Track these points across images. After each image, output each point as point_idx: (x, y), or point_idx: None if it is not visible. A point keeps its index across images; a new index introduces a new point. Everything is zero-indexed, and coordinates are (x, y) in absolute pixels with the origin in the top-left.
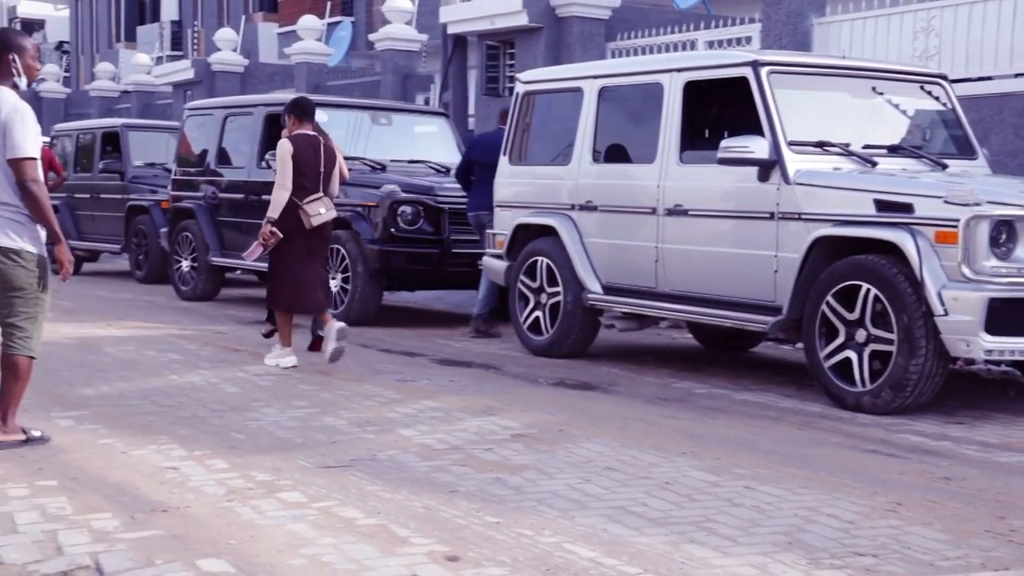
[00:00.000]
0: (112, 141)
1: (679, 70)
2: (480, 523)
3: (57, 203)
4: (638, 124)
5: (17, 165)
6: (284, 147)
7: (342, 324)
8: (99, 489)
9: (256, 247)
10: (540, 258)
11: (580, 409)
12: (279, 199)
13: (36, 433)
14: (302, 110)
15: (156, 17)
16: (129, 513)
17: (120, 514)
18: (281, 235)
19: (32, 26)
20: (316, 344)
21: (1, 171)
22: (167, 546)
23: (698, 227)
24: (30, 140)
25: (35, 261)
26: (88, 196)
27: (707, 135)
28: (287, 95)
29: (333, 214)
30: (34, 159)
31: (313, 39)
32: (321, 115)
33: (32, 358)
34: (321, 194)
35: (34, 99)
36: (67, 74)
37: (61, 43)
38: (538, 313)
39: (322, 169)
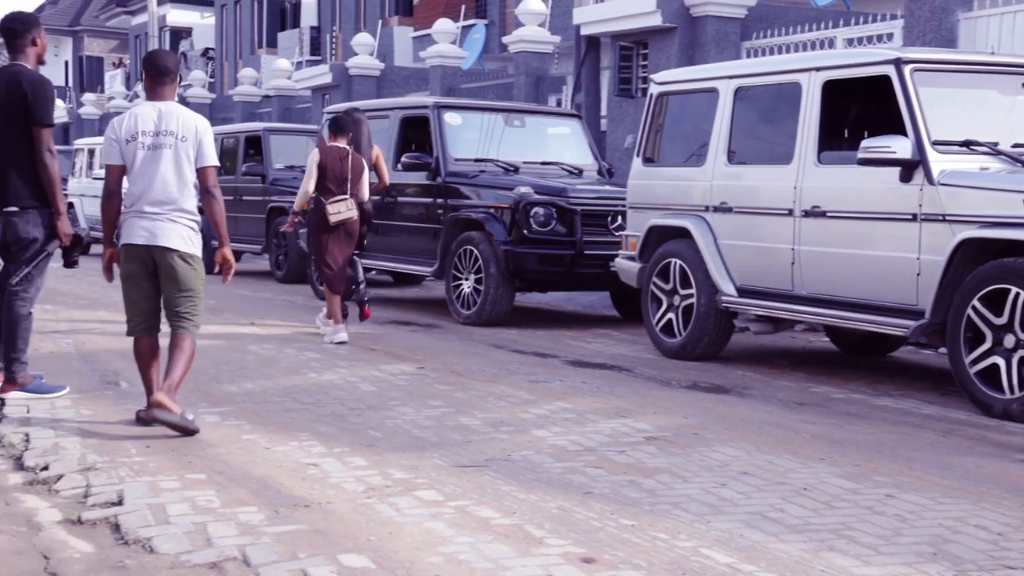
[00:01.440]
0: (254, 145)
1: (818, 69)
2: (615, 525)
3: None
4: (775, 124)
5: (207, 172)
6: (312, 156)
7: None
8: (244, 483)
9: (285, 226)
10: (673, 260)
11: (714, 412)
12: (300, 196)
13: (190, 416)
14: (337, 126)
15: (296, 23)
16: (273, 507)
17: (265, 508)
18: (303, 223)
19: (180, 34)
20: (364, 313)
21: (182, 181)
22: (310, 540)
23: (837, 229)
24: (215, 151)
25: (202, 265)
26: (231, 198)
27: (846, 135)
28: (423, 99)
29: (352, 214)
30: (217, 167)
31: (447, 42)
32: (455, 117)
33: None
34: (345, 196)
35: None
36: (212, 80)
37: (207, 50)
38: (671, 315)
39: (348, 176)
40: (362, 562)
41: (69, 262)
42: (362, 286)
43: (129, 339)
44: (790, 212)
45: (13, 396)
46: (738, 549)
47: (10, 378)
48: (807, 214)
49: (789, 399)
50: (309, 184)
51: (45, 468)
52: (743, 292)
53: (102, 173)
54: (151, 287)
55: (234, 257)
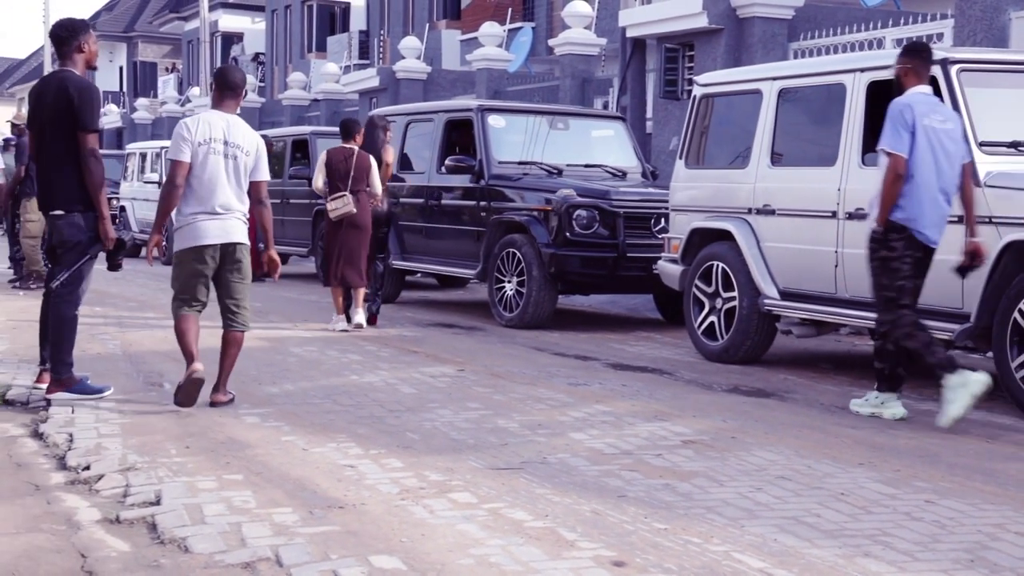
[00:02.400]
0: (301, 148)
1: (862, 70)
2: (648, 529)
3: None
4: (819, 126)
5: (261, 185)
6: (321, 157)
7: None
8: (281, 484)
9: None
10: (716, 262)
11: (754, 416)
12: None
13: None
14: (344, 129)
15: (346, 27)
16: (308, 508)
17: (300, 509)
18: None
19: (231, 39)
20: (371, 319)
21: (241, 188)
22: (342, 541)
23: None
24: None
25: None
26: (278, 201)
27: None
28: (467, 101)
29: (350, 209)
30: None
31: (494, 45)
32: (498, 120)
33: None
34: (343, 193)
35: None
36: (262, 84)
37: (257, 54)
38: (713, 318)
39: (352, 174)
40: (393, 563)
41: (113, 265)
42: (378, 296)
43: (173, 339)
44: (834, 214)
45: (59, 397)
46: (771, 554)
47: (56, 379)
48: (851, 216)
49: (831, 403)
50: (318, 180)
51: (87, 468)
52: (786, 295)
53: (154, 177)
54: (209, 282)
55: (280, 259)
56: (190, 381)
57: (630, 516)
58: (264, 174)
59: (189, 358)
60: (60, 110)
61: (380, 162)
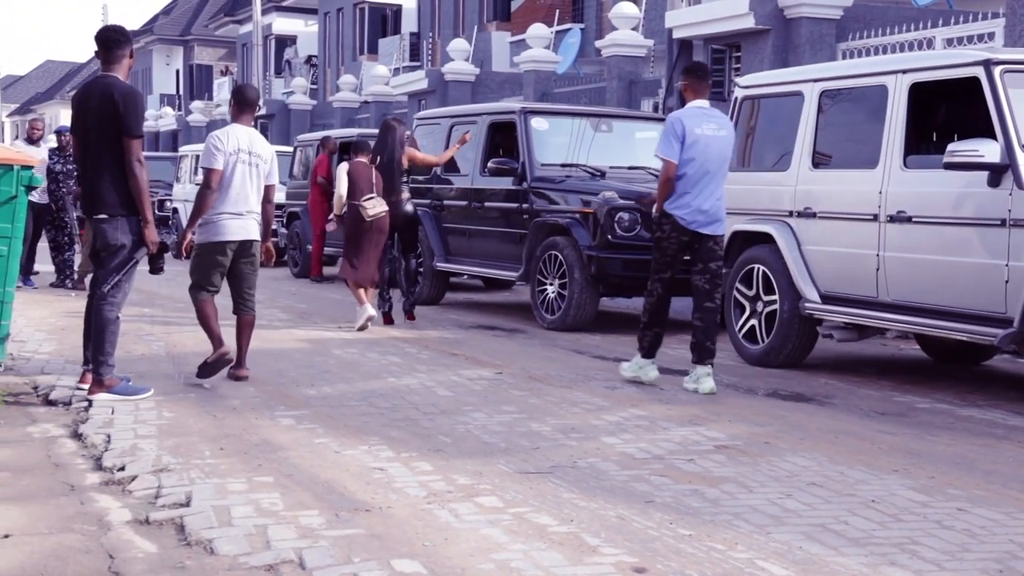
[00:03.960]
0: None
1: (905, 71)
2: (672, 535)
3: (298, 209)
4: (860, 128)
5: (272, 188)
6: (342, 167)
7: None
8: (310, 487)
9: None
10: (756, 265)
11: (791, 421)
12: (336, 201)
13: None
14: (354, 147)
15: (397, 30)
16: (334, 511)
17: (326, 512)
18: (338, 223)
19: (284, 41)
20: (385, 319)
21: (258, 192)
22: (365, 545)
23: (923, 234)
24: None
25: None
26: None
27: (934, 139)
28: (511, 104)
29: (383, 209)
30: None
31: (541, 47)
32: (541, 123)
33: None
34: (374, 195)
35: (283, 110)
36: (314, 86)
37: (310, 57)
38: (753, 321)
39: (374, 182)
40: (414, 567)
41: (155, 268)
42: (411, 294)
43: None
44: (875, 217)
45: (100, 398)
46: (795, 562)
47: (97, 380)
48: (892, 219)
49: (870, 408)
50: (342, 189)
51: (122, 469)
52: (827, 299)
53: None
54: (225, 271)
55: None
56: (222, 360)
57: (655, 522)
58: (275, 179)
59: (217, 340)
60: (105, 115)
61: (396, 167)
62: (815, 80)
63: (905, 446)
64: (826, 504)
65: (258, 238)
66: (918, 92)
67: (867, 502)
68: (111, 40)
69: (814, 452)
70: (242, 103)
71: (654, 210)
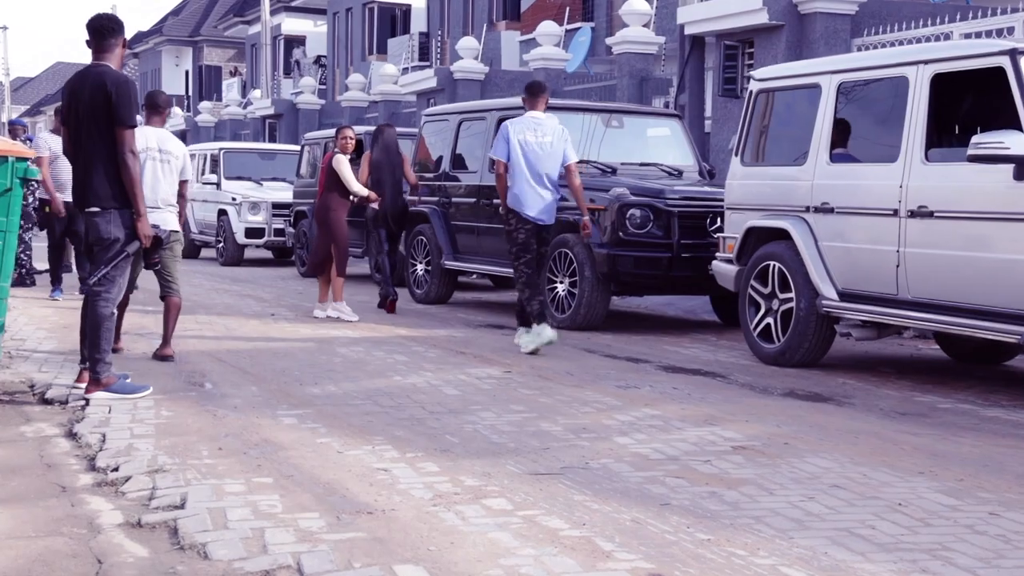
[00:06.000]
0: (356, 148)
1: (926, 62)
2: (690, 540)
3: (305, 208)
4: (879, 121)
5: (185, 185)
6: (343, 160)
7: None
8: (310, 488)
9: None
10: (772, 262)
11: (809, 422)
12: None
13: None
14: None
15: (406, 30)
16: (335, 514)
17: (327, 514)
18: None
19: (293, 42)
20: (391, 306)
21: (171, 184)
22: (367, 549)
23: (945, 230)
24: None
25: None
26: None
27: (956, 131)
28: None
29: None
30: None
31: (551, 44)
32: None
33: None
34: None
35: (291, 110)
36: (323, 86)
37: (319, 57)
38: (769, 320)
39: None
40: (418, 573)
41: (150, 263)
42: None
43: (220, 340)
44: (895, 212)
45: (98, 396)
46: (820, 569)
47: (95, 378)
48: (913, 214)
49: (891, 409)
50: (360, 177)
51: (115, 469)
52: (845, 296)
53: (212, 178)
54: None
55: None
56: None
57: (672, 526)
58: (188, 175)
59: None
60: (97, 105)
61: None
62: (833, 72)
63: (929, 447)
64: (850, 507)
65: (175, 228)
66: (940, 83)
67: (893, 505)
68: (103, 28)
69: (835, 453)
70: (152, 107)
71: (501, 205)
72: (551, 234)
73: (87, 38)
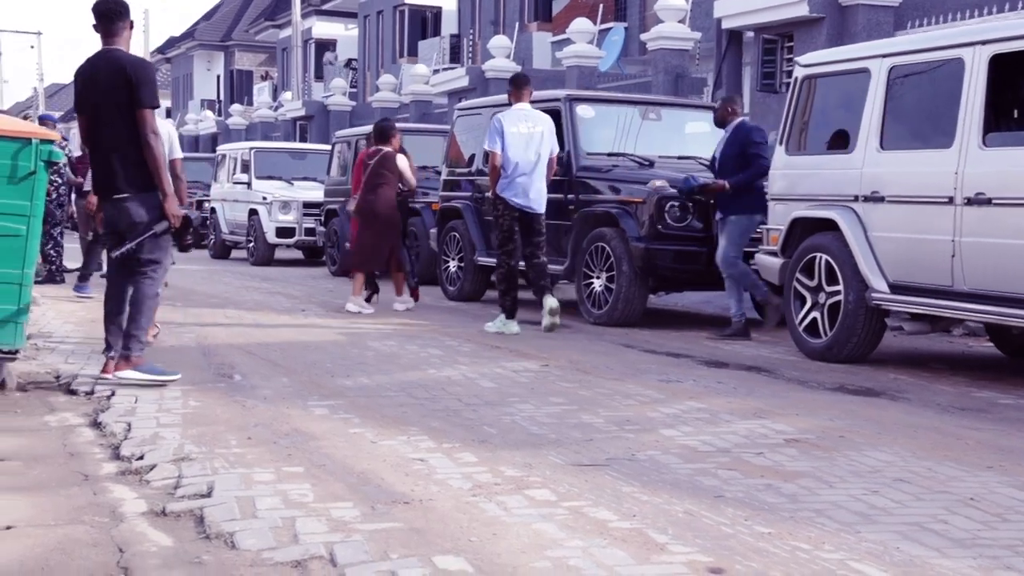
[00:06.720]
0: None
1: (984, 43)
2: (749, 532)
3: (336, 207)
4: (933, 105)
5: (177, 162)
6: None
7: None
8: (343, 478)
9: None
10: (818, 254)
11: (863, 416)
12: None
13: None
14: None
15: (437, 32)
16: (370, 503)
17: (361, 504)
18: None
19: (324, 45)
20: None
21: None
22: (404, 540)
23: (1004, 218)
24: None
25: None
26: None
27: (1016, 115)
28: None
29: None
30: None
31: (584, 42)
32: (587, 110)
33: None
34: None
35: (322, 111)
36: (354, 89)
37: (350, 60)
38: (815, 314)
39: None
40: (459, 564)
41: (183, 246)
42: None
43: (250, 334)
44: (950, 200)
45: (126, 376)
46: (894, 564)
47: (125, 355)
48: (970, 202)
49: (948, 404)
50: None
51: (140, 458)
52: (896, 288)
53: (243, 178)
54: None
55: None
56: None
57: (728, 518)
58: (178, 152)
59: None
60: (116, 89)
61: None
62: (883, 56)
63: (994, 442)
64: (918, 502)
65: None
66: (999, 64)
67: (965, 500)
68: (111, 11)
69: (894, 447)
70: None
71: (491, 193)
72: (542, 224)
73: (94, 23)
